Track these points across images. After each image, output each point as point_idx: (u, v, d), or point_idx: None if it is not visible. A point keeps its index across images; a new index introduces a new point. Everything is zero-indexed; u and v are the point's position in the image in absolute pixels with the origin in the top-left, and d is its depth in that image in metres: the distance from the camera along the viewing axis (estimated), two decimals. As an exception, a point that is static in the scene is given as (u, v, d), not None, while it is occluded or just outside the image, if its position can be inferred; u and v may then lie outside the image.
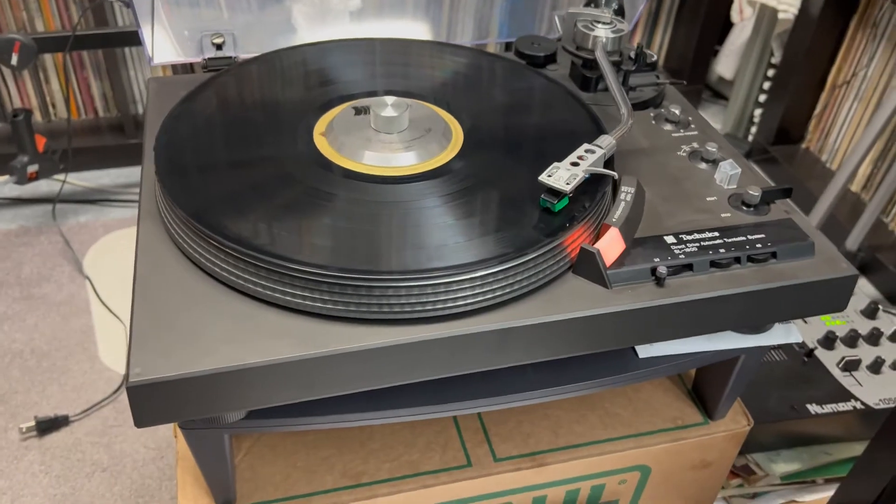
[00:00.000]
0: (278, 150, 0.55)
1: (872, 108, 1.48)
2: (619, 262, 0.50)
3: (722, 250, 0.51)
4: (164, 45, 0.69)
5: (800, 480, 0.84)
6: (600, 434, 0.62)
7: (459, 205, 0.51)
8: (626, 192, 0.53)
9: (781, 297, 0.51)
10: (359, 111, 0.58)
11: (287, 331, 0.45)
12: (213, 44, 0.69)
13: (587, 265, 0.49)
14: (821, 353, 0.87)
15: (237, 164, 0.54)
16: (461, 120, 0.60)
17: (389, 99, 0.57)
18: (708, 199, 0.56)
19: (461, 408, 0.53)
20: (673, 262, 0.50)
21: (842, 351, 0.87)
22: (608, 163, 0.54)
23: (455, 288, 0.46)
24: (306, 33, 0.74)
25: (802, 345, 0.88)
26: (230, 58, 0.70)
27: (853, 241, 1.36)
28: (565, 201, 0.50)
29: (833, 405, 0.81)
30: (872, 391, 0.83)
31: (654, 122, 0.65)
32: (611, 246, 0.50)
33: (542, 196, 0.50)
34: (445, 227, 0.49)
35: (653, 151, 0.61)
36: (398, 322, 0.46)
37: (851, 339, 0.88)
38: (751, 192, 0.55)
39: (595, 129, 0.58)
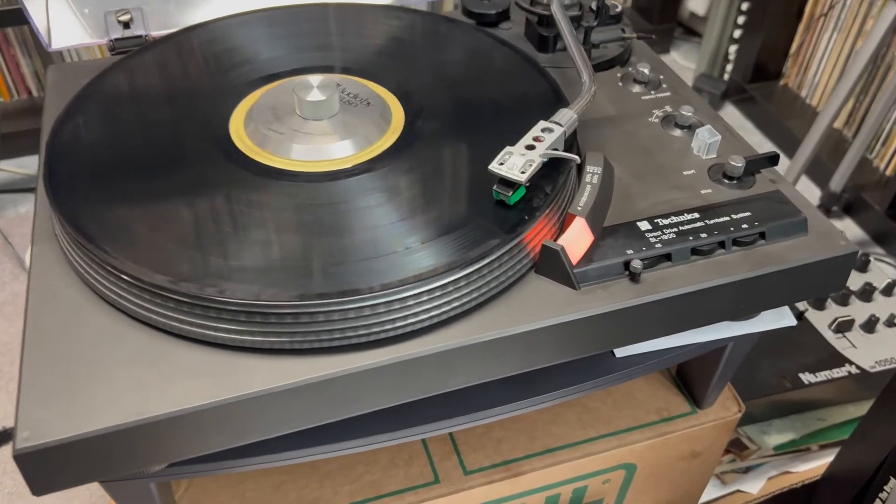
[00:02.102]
0: (190, 150, 0.48)
1: (853, 40, 1.41)
2: (588, 257, 0.43)
3: (704, 235, 0.45)
4: (62, 28, 0.61)
5: (794, 449, 0.80)
6: (579, 434, 0.57)
7: (405, 200, 0.45)
8: (593, 174, 0.47)
9: (773, 283, 0.45)
10: (279, 97, 0.50)
11: (206, 369, 0.38)
12: (120, 21, 0.61)
13: (551, 264, 0.43)
14: (811, 315, 0.82)
15: (142, 169, 0.47)
16: (400, 96, 0.52)
17: (314, 79, 0.49)
18: (685, 172, 0.50)
19: (425, 431, 0.47)
20: (648, 253, 0.44)
21: (833, 311, 0.82)
22: (570, 139, 0.47)
23: (407, 304, 0.39)
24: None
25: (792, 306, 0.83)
26: (140, 37, 0.61)
27: (837, 182, 1.30)
28: (522, 192, 0.43)
29: (827, 372, 0.76)
30: (867, 353, 0.78)
31: (621, 83, 0.58)
32: (577, 240, 0.43)
33: (495, 187, 0.43)
34: (391, 229, 0.42)
35: (620, 119, 0.54)
36: (340, 350, 0.39)
37: (843, 297, 0.83)
38: (733, 162, 0.49)
39: (555, 99, 0.51)
